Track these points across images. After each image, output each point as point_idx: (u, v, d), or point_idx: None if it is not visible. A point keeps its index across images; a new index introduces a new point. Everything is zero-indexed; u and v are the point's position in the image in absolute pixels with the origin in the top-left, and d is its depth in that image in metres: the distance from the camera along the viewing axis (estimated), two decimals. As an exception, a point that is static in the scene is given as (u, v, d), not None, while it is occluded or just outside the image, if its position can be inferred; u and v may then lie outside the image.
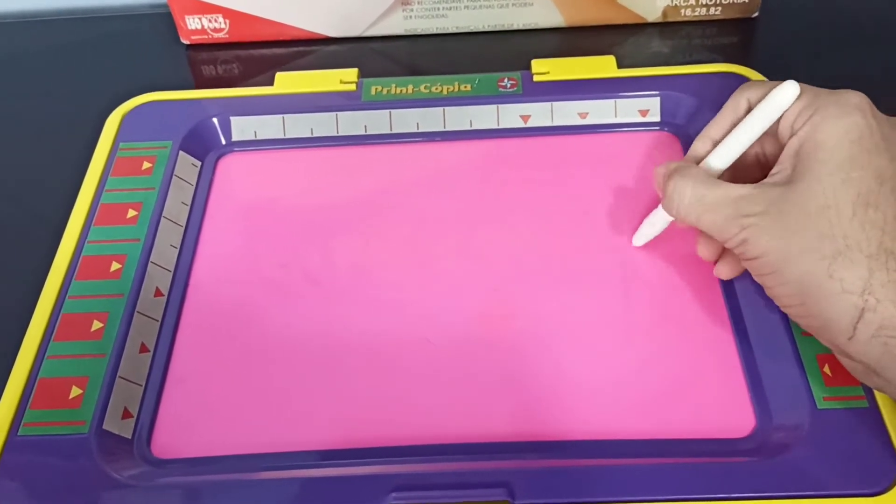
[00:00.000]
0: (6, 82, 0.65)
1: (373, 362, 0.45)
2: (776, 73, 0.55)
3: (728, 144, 0.44)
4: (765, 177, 0.43)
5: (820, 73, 0.59)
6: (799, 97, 0.42)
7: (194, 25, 0.65)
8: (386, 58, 0.65)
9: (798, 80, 0.54)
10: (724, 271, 0.46)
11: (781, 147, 0.43)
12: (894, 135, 0.41)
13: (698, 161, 0.45)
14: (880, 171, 0.39)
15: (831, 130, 0.40)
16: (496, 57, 0.63)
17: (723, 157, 0.44)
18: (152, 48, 0.67)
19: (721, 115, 0.46)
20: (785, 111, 0.42)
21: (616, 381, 0.44)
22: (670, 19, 0.64)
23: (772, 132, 0.43)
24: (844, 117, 0.40)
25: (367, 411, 0.43)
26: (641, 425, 0.42)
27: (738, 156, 0.44)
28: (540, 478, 0.39)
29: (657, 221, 0.47)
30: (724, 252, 0.46)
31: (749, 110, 0.44)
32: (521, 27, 0.65)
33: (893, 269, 0.37)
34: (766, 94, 0.43)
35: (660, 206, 0.46)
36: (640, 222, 0.49)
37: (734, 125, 0.45)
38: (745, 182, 0.43)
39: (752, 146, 0.44)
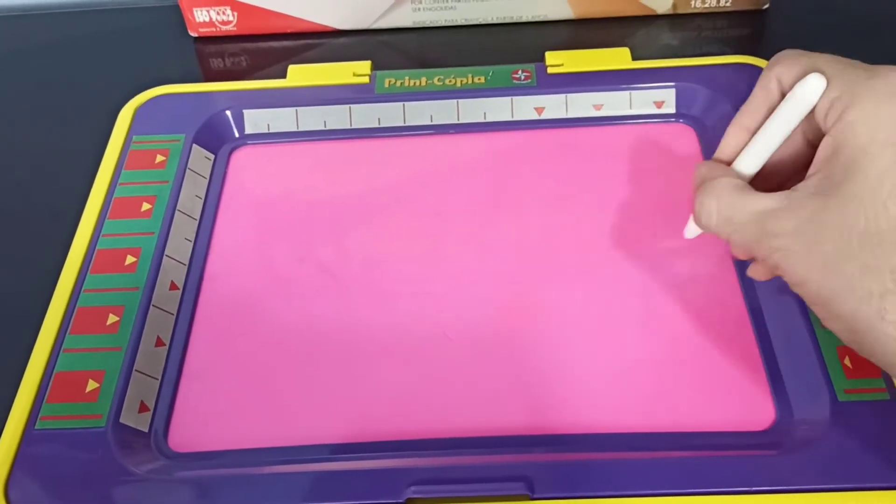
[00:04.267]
0: (15, 76, 0.65)
1: (389, 355, 0.45)
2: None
3: (755, 148, 0.40)
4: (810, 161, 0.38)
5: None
6: (830, 82, 0.36)
7: (202, 18, 0.64)
8: (395, 50, 0.64)
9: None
10: (760, 271, 0.42)
11: (821, 134, 0.37)
12: None
13: (731, 156, 0.41)
14: None
15: (869, 131, 0.34)
16: (505, 50, 0.63)
17: (752, 162, 0.40)
18: (160, 41, 0.66)
19: (753, 100, 0.40)
20: (815, 105, 0.37)
21: (634, 375, 0.44)
22: (680, 11, 0.64)
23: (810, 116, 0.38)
24: (883, 108, 0.34)
25: (383, 405, 0.43)
26: (660, 419, 0.42)
27: (768, 157, 0.40)
28: (559, 471, 0.39)
29: None
30: None
31: (780, 90, 0.39)
32: (529, 19, 0.65)
33: None
34: (796, 78, 0.37)
35: None
36: (656, 214, 0.49)
37: (770, 110, 0.39)
38: (793, 167, 0.39)
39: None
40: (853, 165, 0.34)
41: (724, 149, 0.41)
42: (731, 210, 0.38)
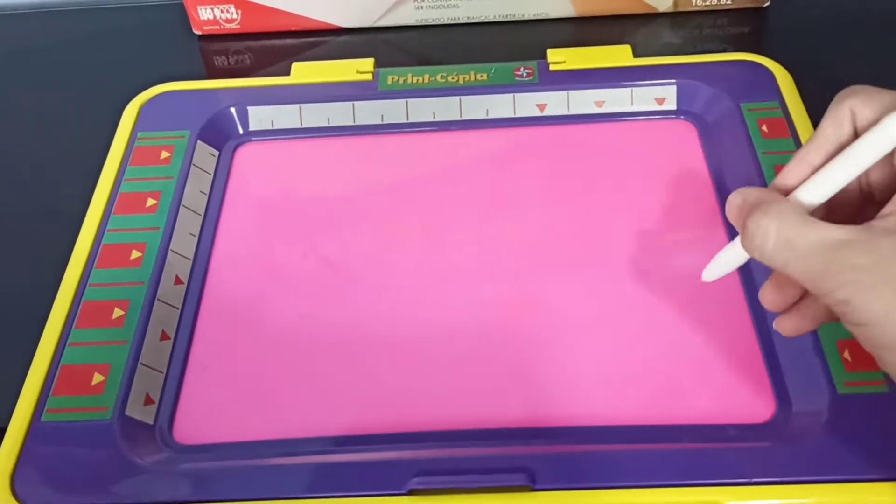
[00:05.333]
0: (22, 74, 0.65)
1: (391, 349, 0.45)
2: (789, 62, 0.55)
3: (827, 176, 0.36)
4: (865, 211, 0.36)
5: (831, 61, 0.60)
6: None
7: (206, 16, 0.65)
8: (398, 48, 0.65)
9: (811, 68, 0.56)
10: (788, 326, 0.39)
11: (894, 175, 0.35)
12: None
13: (788, 191, 0.37)
14: None
15: None
16: (507, 47, 0.64)
17: (819, 191, 0.36)
18: (165, 39, 0.67)
19: (821, 134, 0.36)
20: None
21: (635, 368, 0.44)
22: (681, 9, 0.65)
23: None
24: None
25: (387, 398, 0.44)
26: (661, 411, 0.42)
27: (833, 193, 0.36)
28: (560, 463, 0.39)
29: (733, 259, 0.39)
30: (796, 303, 0.38)
31: (853, 124, 0.36)
32: (531, 17, 0.65)
33: None
34: (875, 116, 0.35)
35: (736, 242, 0.38)
36: (656, 210, 0.49)
37: (839, 148, 0.36)
38: (838, 215, 0.37)
39: None
40: None
41: (784, 180, 0.37)
42: (795, 234, 0.34)
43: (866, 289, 0.32)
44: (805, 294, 0.37)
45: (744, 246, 0.36)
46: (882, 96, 0.35)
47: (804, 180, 0.36)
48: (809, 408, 0.41)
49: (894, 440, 0.39)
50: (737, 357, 0.44)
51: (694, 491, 0.38)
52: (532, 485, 0.38)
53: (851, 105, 0.35)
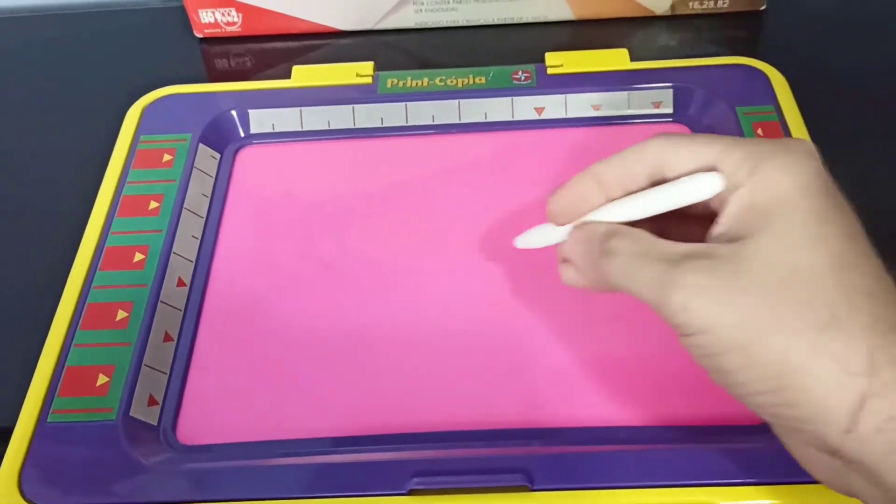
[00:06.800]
0: (23, 78, 0.66)
1: (392, 351, 0.46)
2: (785, 66, 0.56)
3: (630, 206, 0.38)
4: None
5: (827, 65, 0.60)
6: (732, 148, 0.35)
7: (207, 19, 0.65)
8: (397, 51, 0.65)
9: (806, 73, 0.56)
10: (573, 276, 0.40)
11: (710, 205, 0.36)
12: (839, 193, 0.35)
13: (574, 205, 0.39)
14: (849, 228, 0.33)
15: (790, 181, 0.33)
16: (506, 50, 0.64)
17: (620, 214, 0.38)
18: (166, 42, 0.67)
19: (622, 158, 0.38)
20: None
21: (631, 369, 0.44)
22: (678, 12, 0.65)
23: None
24: (802, 164, 0.34)
25: (387, 398, 0.44)
26: (656, 412, 0.43)
27: (636, 219, 0.38)
28: (557, 463, 0.40)
29: (553, 236, 0.41)
30: None
31: (656, 164, 0.37)
32: (530, 20, 0.66)
33: None
34: (685, 170, 0.36)
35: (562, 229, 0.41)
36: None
37: (633, 179, 0.38)
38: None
39: None
40: (776, 210, 0.33)
41: (571, 192, 0.40)
42: (643, 248, 0.36)
43: (700, 292, 0.33)
44: None
45: (600, 266, 0.37)
46: (691, 144, 0.36)
47: (591, 191, 0.39)
48: (803, 409, 0.41)
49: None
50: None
51: (688, 491, 0.38)
52: (530, 485, 0.39)
53: (659, 149, 0.37)
